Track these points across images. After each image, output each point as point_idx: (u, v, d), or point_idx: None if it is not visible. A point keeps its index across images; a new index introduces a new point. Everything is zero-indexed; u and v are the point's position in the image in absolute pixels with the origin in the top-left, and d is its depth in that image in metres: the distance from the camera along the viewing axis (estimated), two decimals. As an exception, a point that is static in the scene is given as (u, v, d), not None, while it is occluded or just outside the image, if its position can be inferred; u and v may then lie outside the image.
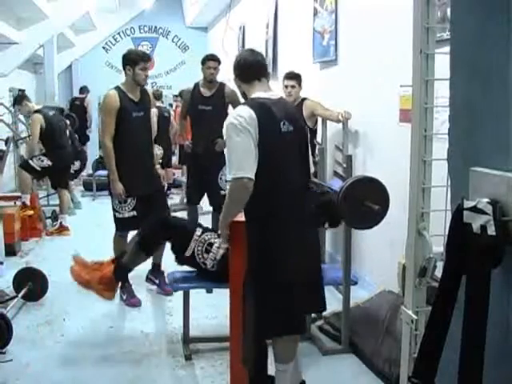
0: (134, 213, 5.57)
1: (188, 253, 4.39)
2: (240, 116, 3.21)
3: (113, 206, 5.65)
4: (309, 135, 3.65)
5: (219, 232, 3.60)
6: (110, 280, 4.63)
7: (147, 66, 5.56)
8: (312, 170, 3.64)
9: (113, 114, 5.42)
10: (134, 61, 5.46)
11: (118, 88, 5.55)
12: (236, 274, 3.59)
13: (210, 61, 6.79)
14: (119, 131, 5.44)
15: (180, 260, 4.51)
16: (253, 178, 3.15)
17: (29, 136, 9.18)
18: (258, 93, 3.42)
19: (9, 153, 9.44)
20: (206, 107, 6.69)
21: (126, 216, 5.59)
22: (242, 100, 6.47)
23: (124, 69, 5.53)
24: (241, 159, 3.18)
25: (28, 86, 13.97)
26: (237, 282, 3.54)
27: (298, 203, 3.36)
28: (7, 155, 9.29)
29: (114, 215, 5.66)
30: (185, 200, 8.08)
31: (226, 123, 3.30)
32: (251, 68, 3.48)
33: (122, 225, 5.65)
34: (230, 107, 6.65)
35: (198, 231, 4.48)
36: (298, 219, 3.35)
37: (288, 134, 3.31)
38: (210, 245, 4.39)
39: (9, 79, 11.81)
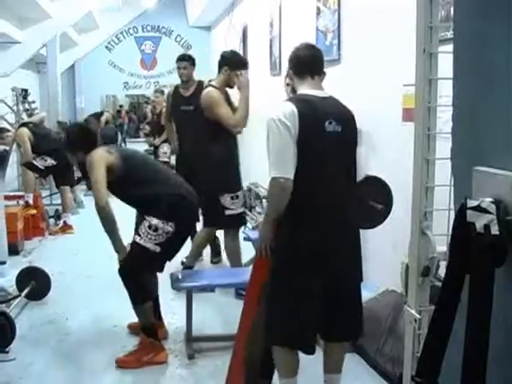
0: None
1: None
2: (281, 112, 3.11)
3: (223, 205, 5.65)
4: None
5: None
6: (152, 344, 4.42)
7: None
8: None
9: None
10: (236, 65, 5.76)
11: (212, 85, 5.79)
12: (256, 281, 3.47)
13: (178, 61, 6.95)
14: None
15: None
16: (291, 177, 3.04)
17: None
18: (306, 90, 3.32)
19: (12, 152, 9.45)
20: (187, 107, 6.64)
21: (239, 212, 5.75)
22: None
23: (220, 68, 5.79)
24: (279, 158, 3.08)
25: (31, 85, 13.99)
26: (255, 289, 3.45)
27: (338, 209, 3.22)
28: (10, 154, 9.30)
29: (223, 213, 5.66)
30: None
31: (267, 119, 3.20)
32: (307, 63, 3.40)
33: (236, 221, 5.78)
34: None
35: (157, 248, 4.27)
36: (337, 228, 3.22)
37: (334, 133, 3.18)
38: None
39: (11, 79, 11.82)
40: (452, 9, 3.39)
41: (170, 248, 4.31)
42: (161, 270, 4.40)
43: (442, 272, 1.95)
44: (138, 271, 4.24)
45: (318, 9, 6.80)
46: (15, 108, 11.03)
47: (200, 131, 6.35)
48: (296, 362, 3.38)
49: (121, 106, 20.20)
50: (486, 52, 1.78)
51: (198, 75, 7.24)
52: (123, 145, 16.25)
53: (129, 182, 4.26)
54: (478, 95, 1.83)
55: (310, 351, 3.31)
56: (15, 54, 11.70)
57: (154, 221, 4.18)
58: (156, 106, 10.74)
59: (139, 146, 17.88)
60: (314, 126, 3.12)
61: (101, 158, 4.22)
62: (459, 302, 1.77)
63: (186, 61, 6.88)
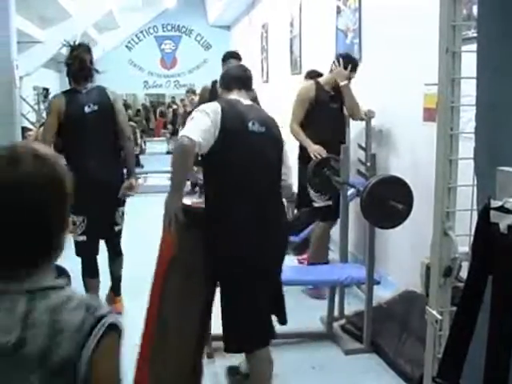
0: None
1: None
2: (206, 106, 3.27)
3: (312, 198, 5.71)
4: None
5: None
6: None
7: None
8: (289, 185, 3.59)
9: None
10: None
11: (316, 81, 5.74)
12: (163, 257, 3.33)
13: (233, 59, 6.51)
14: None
15: None
16: (195, 140, 3.02)
17: None
18: (232, 96, 3.45)
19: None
20: None
21: (323, 205, 5.66)
22: (258, 100, 6.47)
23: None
24: (192, 125, 3.13)
25: (52, 84, 14.08)
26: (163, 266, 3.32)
27: (260, 204, 3.25)
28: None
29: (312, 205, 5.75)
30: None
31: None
32: (236, 78, 3.56)
33: (324, 213, 5.69)
34: None
35: None
36: (258, 223, 3.23)
37: (258, 133, 3.27)
38: None
39: (33, 78, 11.91)
40: (474, 7, 3.38)
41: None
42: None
43: (463, 273, 1.94)
44: None
45: (338, 8, 6.79)
46: (36, 107, 11.11)
47: None
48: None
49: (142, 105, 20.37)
50: (511, 50, 1.76)
51: (217, 75, 7.16)
52: (143, 145, 16.30)
53: None
54: (502, 94, 1.81)
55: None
56: (37, 54, 11.79)
57: None
58: (187, 105, 10.67)
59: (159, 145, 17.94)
60: (236, 123, 3.21)
61: None
62: (482, 303, 1.76)
63: (240, 59, 6.52)
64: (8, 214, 1.35)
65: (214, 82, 6.38)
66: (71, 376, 1.34)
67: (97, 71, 5.05)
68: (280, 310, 3.49)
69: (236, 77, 3.57)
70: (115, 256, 5.17)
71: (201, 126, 3.10)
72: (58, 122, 4.78)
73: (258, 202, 3.23)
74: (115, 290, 5.29)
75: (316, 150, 5.44)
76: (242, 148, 3.20)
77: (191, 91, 10.81)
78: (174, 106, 17.72)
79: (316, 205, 5.63)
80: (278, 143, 3.41)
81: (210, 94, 6.39)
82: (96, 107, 4.86)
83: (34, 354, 1.32)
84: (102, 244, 5.12)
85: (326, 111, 5.64)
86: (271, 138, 3.36)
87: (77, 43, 5.21)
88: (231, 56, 6.55)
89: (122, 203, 5.05)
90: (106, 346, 1.38)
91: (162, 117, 20.05)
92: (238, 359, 4.31)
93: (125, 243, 5.31)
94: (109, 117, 4.89)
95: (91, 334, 1.36)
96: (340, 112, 5.78)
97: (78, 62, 4.91)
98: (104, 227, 4.97)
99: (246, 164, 3.21)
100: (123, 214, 5.07)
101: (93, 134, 4.75)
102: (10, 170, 1.36)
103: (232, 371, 4.05)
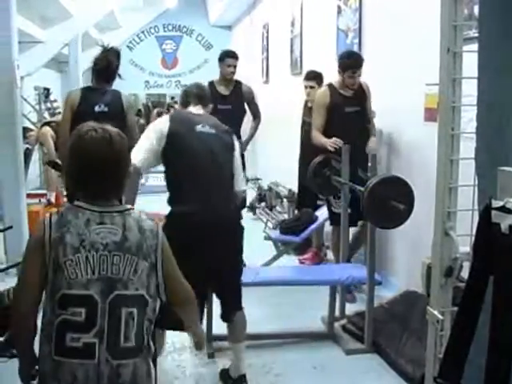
0: None
1: None
2: (153, 124, 3.74)
3: (330, 203, 5.74)
4: None
5: None
6: None
7: None
8: (242, 188, 3.82)
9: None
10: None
11: (330, 85, 5.67)
12: None
13: (230, 58, 6.43)
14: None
15: None
16: (137, 165, 3.42)
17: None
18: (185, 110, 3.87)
19: (34, 151, 9.52)
20: (225, 106, 6.21)
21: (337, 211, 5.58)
22: (256, 100, 6.48)
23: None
24: (135, 151, 3.48)
25: (53, 84, 14.07)
26: None
27: (207, 193, 3.50)
28: (33, 153, 9.38)
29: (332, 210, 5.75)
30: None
31: None
32: (192, 96, 3.91)
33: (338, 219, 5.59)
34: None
35: None
36: (209, 221, 3.44)
37: (206, 133, 3.60)
38: None
39: (34, 78, 11.90)
40: (475, 7, 3.37)
41: None
42: None
43: (465, 273, 1.94)
44: None
45: (339, 8, 6.79)
46: (37, 107, 11.10)
47: (235, 132, 6.34)
48: None
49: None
50: (512, 50, 1.76)
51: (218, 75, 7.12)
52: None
53: None
54: (503, 94, 1.81)
55: None
56: (38, 54, 11.76)
57: None
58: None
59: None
60: (184, 126, 3.60)
61: None
62: (483, 303, 1.76)
63: (237, 59, 6.46)
64: (109, 172, 2.24)
65: (210, 83, 6.37)
66: (154, 258, 2.24)
67: (119, 76, 5.34)
68: (226, 304, 3.77)
69: (192, 94, 3.92)
70: None
71: (142, 148, 3.55)
72: (72, 116, 4.98)
73: (205, 191, 3.49)
74: None
75: (329, 142, 5.37)
76: (190, 144, 3.53)
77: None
78: (176, 106, 17.70)
79: (335, 210, 5.60)
80: (228, 146, 3.69)
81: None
82: (106, 108, 5.06)
83: (133, 245, 2.19)
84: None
85: (342, 115, 5.55)
86: (220, 139, 3.65)
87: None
88: (227, 55, 6.47)
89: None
90: (165, 240, 2.32)
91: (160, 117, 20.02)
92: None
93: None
94: (117, 119, 4.78)
95: (158, 233, 2.28)
96: (358, 114, 5.60)
97: (105, 62, 5.15)
98: None
99: (193, 156, 3.51)
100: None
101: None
102: (110, 148, 2.22)
103: (223, 374, 4.05)
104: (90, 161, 2.21)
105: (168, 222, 3.46)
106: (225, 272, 3.64)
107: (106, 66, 5.15)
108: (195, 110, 3.84)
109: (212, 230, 3.45)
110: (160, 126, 3.61)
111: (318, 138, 5.57)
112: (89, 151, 2.21)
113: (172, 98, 19.17)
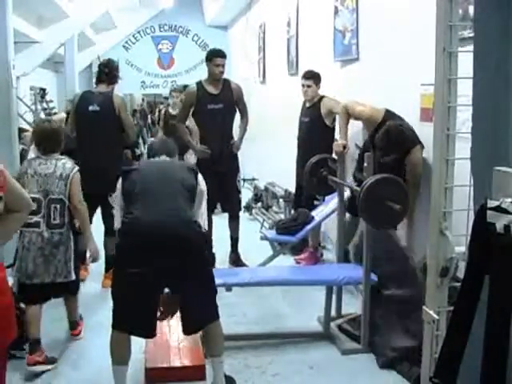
0: None
1: None
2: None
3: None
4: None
5: None
6: None
7: None
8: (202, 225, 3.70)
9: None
10: None
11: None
12: None
13: (218, 57, 6.30)
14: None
15: None
16: (118, 227, 3.70)
17: None
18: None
19: (30, 150, 9.50)
20: (215, 106, 6.22)
21: None
22: (245, 98, 6.47)
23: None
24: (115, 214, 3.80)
25: (49, 84, 14.06)
26: None
27: (156, 210, 3.53)
28: (28, 154, 9.35)
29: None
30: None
31: None
32: (155, 150, 4.11)
33: None
34: None
35: None
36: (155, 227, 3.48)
37: (161, 161, 3.96)
38: None
39: (30, 78, 11.89)
40: (470, 7, 3.38)
41: None
42: None
43: (460, 273, 1.94)
44: None
45: (336, 8, 6.78)
46: (33, 107, 11.09)
47: (228, 131, 6.32)
48: (127, 350, 3.62)
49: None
50: (508, 51, 1.76)
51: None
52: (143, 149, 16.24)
53: None
54: (498, 95, 1.81)
55: (143, 335, 3.68)
56: (34, 54, 11.75)
57: None
58: (172, 107, 9.91)
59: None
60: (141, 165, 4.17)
61: None
62: (478, 303, 1.76)
63: (225, 57, 6.37)
64: (47, 138, 4.50)
65: (198, 83, 6.35)
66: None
67: (118, 78, 6.10)
68: (184, 316, 3.61)
69: (155, 149, 4.12)
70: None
71: (116, 209, 3.76)
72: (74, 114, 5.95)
73: (153, 204, 3.56)
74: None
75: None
76: (143, 171, 3.77)
77: (178, 90, 10.05)
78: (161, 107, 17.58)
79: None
80: (185, 181, 3.69)
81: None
82: (98, 108, 5.73)
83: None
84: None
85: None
86: (179, 168, 3.86)
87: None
88: (215, 55, 6.29)
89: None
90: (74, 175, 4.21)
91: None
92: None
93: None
94: (108, 118, 5.69)
95: (72, 170, 4.30)
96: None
97: (108, 67, 6.00)
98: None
99: (145, 177, 3.70)
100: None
101: (93, 131, 5.48)
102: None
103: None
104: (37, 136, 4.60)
105: (119, 230, 3.64)
106: (181, 285, 3.54)
107: (108, 69, 5.96)
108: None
109: (159, 241, 3.44)
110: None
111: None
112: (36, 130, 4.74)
113: (165, 97, 19.10)
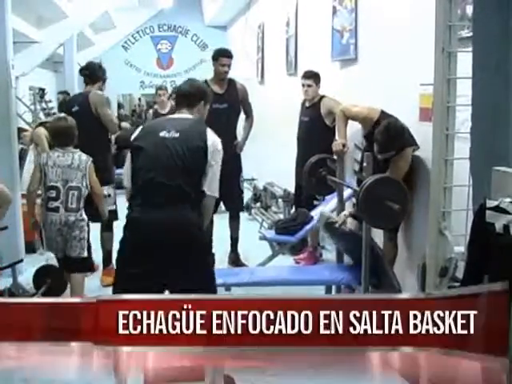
0: None
1: None
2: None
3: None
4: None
5: None
6: None
7: None
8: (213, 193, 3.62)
9: None
10: None
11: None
12: None
13: (224, 57, 6.32)
14: None
15: None
16: (127, 186, 3.67)
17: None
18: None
19: (29, 151, 9.50)
20: (220, 105, 6.16)
21: None
22: (250, 98, 6.45)
23: None
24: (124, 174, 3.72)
25: (48, 84, 14.05)
26: None
27: (159, 200, 3.48)
28: (27, 154, 9.35)
29: None
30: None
31: None
32: (181, 96, 3.90)
33: None
34: None
35: None
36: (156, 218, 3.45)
37: (168, 139, 3.56)
38: None
39: (29, 78, 11.88)
40: (468, 7, 3.38)
41: None
42: None
43: (459, 273, 1.94)
44: None
45: (334, 8, 6.79)
46: (32, 107, 11.08)
47: (233, 131, 6.30)
48: None
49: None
50: (507, 51, 1.76)
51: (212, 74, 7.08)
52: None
53: None
54: (498, 94, 1.81)
55: None
56: (33, 54, 11.73)
57: None
58: (159, 106, 9.88)
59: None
60: (150, 133, 3.65)
61: None
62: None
63: (231, 57, 6.38)
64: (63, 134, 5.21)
65: (204, 82, 6.32)
66: (85, 171, 4.87)
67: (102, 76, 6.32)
68: None
69: (177, 95, 4.01)
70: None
71: (126, 168, 3.68)
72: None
73: (152, 193, 3.50)
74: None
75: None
76: (147, 149, 3.56)
77: (164, 88, 10.06)
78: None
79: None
80: (194, 149, 3.56)
81: None
82: (77, 108, 6.04)
83: (75, 165, 4.88)
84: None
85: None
86: (185, 142, 3.57)
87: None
88: (221, 54, 6.33)
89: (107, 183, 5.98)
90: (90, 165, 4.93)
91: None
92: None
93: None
94: (87, 116, 5.94)
95: (87, 162, 4.98)
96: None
97: (89, 69, 6.27)
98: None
99: (148, 160, 3.55)
100: (109, 195, 6.03)
101: (79, 130, 5.50)
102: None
103: None
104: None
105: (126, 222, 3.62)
106: (181, 285, 3.46)
107: (88, 74, 6.24)
108: (174, 115, 3.87)
109: (158, 235, 3.43)
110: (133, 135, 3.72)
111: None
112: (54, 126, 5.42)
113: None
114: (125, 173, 3.71)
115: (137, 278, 3.42)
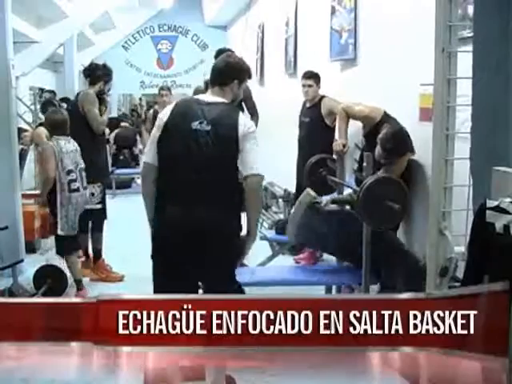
0: None
1: None
2: (165, 108, 3.60)
3: None
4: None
5: None
6: None
7: None
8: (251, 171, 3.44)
9: None
10: None
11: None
12: None
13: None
14: None
15: None
16: (148, 162, 3.43)
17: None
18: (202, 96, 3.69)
19: (29, 151, 9.50)
20: None
21: None
22: (253, 97, 6.47)
23: None
24: (147, 146, 3.56)
25: (48, 84, 14.05)
26: None
27: (188, 196, 3.36)
28: (27, 154, 9.36)
29: None
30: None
31: None
32: (215, 74, 3.70)
33: None
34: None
35: None
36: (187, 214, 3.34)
37: (200, 132, 3.36)
38: None
39: (29, 78, 11.88)
40: (469, 7, 3.38)
41: None
42: None
43: (460, 273, 1.94)
44: None
45: (333, 8, 6.78)
46: (32, 107, 11.08)
47: None
48: None
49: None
50: (507, 51, 1.76)
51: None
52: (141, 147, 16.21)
53: None
54: (498, 95, 1.81)
55: None
56: (33, 54, 11.73)
57: None
58: (160, 106, 8.79)
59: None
60: (181, 122, 3.41)
61: None
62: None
63: None
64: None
65: (206, 82, 6.32)
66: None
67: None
68: None
69: (212, 72, 3.74)
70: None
71: (151, 143, 3.47)
72: None
73: (186, 200, 3.36)
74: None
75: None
76: (181, 144, 3.37)
77: (166, 88, 9.46)
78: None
79: None
80: (225, 139, 3.40)
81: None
82: (70, 107, 6.55)
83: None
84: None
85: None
86: (215, 135, 3.38)
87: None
88: (223, 53, 6.36)
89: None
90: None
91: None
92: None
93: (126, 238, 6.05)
94: (75, 114, 6.08)
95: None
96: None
97: (90, 69, 6.46)
98: None
99: (179, 156, 3.37)
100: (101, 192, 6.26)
101: (71, 126, 5.82)
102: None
103: None
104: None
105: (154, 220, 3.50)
106: (208, 278, 3.51)
107: (89, 74, 6.44)
108: (206, 95, 3.63)
109: (188, 234, 3.34)
110: (162, 113, 3.51)
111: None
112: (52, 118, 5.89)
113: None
114: (148, 148, 3.51)
115: (175, 278, 3.34)
